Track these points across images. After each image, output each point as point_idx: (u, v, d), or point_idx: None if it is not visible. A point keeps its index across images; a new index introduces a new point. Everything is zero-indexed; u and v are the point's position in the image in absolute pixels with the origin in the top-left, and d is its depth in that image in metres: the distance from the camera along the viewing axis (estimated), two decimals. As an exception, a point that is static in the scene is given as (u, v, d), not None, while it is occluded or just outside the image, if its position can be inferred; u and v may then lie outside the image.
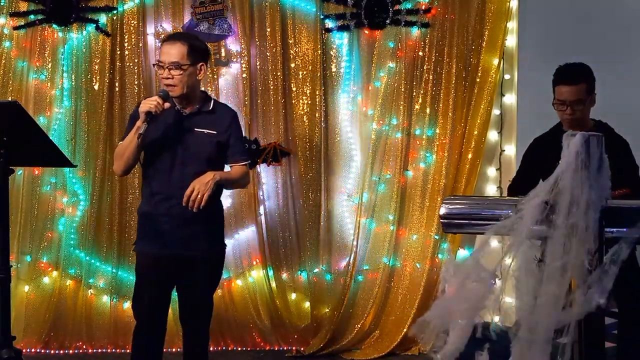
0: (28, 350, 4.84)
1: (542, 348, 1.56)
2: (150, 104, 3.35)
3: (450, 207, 1.88)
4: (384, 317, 5.07)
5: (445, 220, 1.87)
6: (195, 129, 3.52)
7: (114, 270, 5.00)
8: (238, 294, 5.09)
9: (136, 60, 5.00)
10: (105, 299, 5.02)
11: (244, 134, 4.97)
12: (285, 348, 5.06)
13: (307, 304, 5.13)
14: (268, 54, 5.05)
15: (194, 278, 3.56)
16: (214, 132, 3.53)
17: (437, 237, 5.02)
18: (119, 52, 4.99)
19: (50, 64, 5.00)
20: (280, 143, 5.07)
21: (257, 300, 5.09)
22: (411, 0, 5.06)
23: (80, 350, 4.96)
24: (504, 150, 5.12)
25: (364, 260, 5.11)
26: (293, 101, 5.12)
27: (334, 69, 5.13)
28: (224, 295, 5.03)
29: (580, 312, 1.54)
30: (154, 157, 3.54)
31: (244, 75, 5.05)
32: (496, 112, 5.12)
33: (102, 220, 5.01)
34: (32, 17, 4.96)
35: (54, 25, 4.97)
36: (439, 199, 4.97)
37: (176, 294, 3.70)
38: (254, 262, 5.11)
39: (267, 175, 5.11)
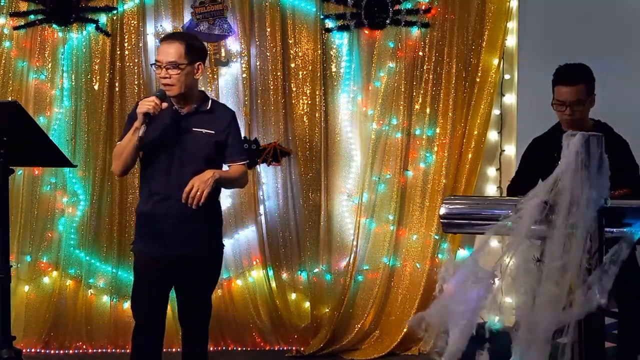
0: (28, 350, 4.84)
1: (542, 348, 1.56)
2: (148, 104, 3.34)
3: (450, 207, 1.88)
4: (384, 317, 5.07)
5: (445, 220, 1.87)
6: (193, 129, 3.51)
7: (114, 270, 5.00)
8: (238, 294, 5.09)
9: (136, 60, 5.00)
10: (105, 299, 5.02)
11: (243, 134, 4.98)
12: (285, 348, 5.06)
13: (307, 304, 5.13)
14: (268, 54, 5.05)
15: (192, 278, 3.56)
16: (212, 132, 3.52)
17: (437, 237, 5.02)
18: (119, 52, 4.99)
19: (50, 64, 5.00)
20: (280, 143, 5.07)
21: (257, 300, 5.09)
22: (411, 0, 5.06)
23: (80, 350, 4.96)
24: (504, 150, 5.12)
25: (364, 260, 5.11)
26: (293, 101, 5.12)
27: (334, 69, 5.13)
28: (224, 295, 5.03)
29: (580, 312, 1.54)
30: (152, 157, 3.54)
31: (244, 75, 5.05)
32: (496, 112, 5.12)
33: (102, 220, 5.02)
34: (32, 17, 4.96)
35: (54, 25, 4.97)
36: (439, 199, 4.97)
37: (175, 294, 3.70)
38: (254, 262, 5.11)
39: (267, 175, 5.11)
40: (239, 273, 5.10)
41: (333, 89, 5.13)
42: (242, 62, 5.05)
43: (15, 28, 4.94)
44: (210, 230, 3.63)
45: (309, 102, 5.10)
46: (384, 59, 5.08)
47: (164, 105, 3.40)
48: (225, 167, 3.65)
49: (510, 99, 5.11)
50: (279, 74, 5.05)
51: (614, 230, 1.63)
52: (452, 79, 5.02)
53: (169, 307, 3.78)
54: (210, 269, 3.67)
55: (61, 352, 4.94)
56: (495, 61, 5.01)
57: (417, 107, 5.07)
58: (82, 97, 5.00)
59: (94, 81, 5.01)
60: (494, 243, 2.28)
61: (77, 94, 5.00)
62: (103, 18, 4.98)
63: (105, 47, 5.00)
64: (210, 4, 5.01)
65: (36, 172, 4.99)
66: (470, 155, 5.01)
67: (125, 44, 5.01)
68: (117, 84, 4.99)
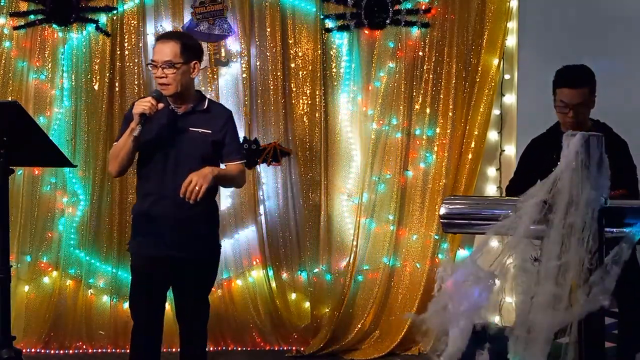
0: (28, 350, 4.84)
1: (541, 348, 1.56)
2: (144, 105, 3.34)
3: (450, 207, 1.88)
4: (384, 317, 5.07)
5: (445, 220, 1.87)
6: (190, 129, 3.50)
7: (114, 270, 5.00)
8: (238, 294, 5.09)
9: (136, 60, 4.99)
10: (105, 299, 5.02)
11: (243, 134, 4.98)
12: (285, 348, 5.06)
13: (307, 304, 5.13)
14: (268, 54, 5.05)
15: (189, 279, 3.56)
16: (209, 132, 3.52)
17: (437, 237, 5.02)
18: (118, 52, 4.99)
19: (50, 64, 5.00)
20: (280, 143, 5.07)
21: (257, 300, 5.09)
22: (411, 0, 5.06)
23: (80, 350, 4.96)
24: (504, 150, 5.13)
25: (364, 260, 5.11)
26: (293, 101, 5.12)
27: (334, 69, 5.13)
28: (224, 295, 5.04)
29: (581, 312, 1.54)
30: (149, 157, 3.53)
31: (244, 75, 5.05)
32: (496, 112, 5.12)
33: (102, 220, 5.01)
34: (32, 17, 4.95)
35: (54, 25, 4.97)
36: (439, 199, 4.97)
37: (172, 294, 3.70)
38: (254, 262, 5.11)
39: (267, 175, 5.11)
40: (239, 273, 5.10)
41: (333, 89, 5.13)
42: (242, 62, 5.05)
43: (15, 28, 4.94)
44: (207, 231, 3.63)
45: (309, 102, 5.10)
46: (384, 59, 5.08)
47: (160, 105, 3.40)
48: (222, 167, 3.65)
49: (510, 99, 5.11)
50: (279, 74, 5.05)
51: (614, 230, 1.62)
52: (452, 79, 5.02)
53: (168, 307, 3.79)
54: (208, 270, 3.67)
55: (61, 352, 4.94)
56: (495, 61, 5.01)
57: (417, 107, 5.07)
58: (82, 97, 5.00)
59: (94, 81, 5.01)
60: (494, 243, 2.28)
61: (77, 94, 5.00)
62: (103, 18, 4.98)
63: (105, 47, 4.99)
64: (210, 4, 5.01)
65: (36, 172, 4.99)
66: (470, 155, 5.01)
67: (125, 44, 5.01)
68: (117, 84, 4.99)
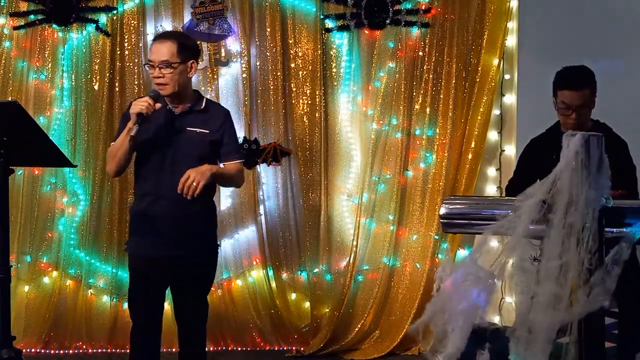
0: (28, 350, 4.84)
1: (542, 347, 1.56)
2: (141, 105, 3.34)
3: (450, 207, 1.88)
4: (384, 317, 5.07)
5: (445, 220, 1.87)
6: (187, 128, 3.50)
7: (114, 270, 5.00)
8: (238, 294, 5.09)
9: (136, 60, 4.99)
10: (105, 299, 5.02)
11: (243, 134, 4.98)
12: (285, 348, 5.06)
13: (307, 304, 5.13)
14: (268, 54, 5.05)
15: (187, 279, 3.56)
16: (207, 131, 3.51)
17: (437, 237, 5.02)
18: (118, 52, 4.99)
19: (50, 64, 5.00)
20: (280, 143, 5.07)
21: (257, 300, 5.09)
22: (411, 0, 5.06)
23: (80, 350, 4.96)
24: (504, 150, 5.13)
25: (364, 260, 5.11)
26: (293, 101, 5.12)
27: (334, 69, 5.13)
28: (224, 295, 5.04)
29: (582, 312, 1.54)
30: (146, 157, 3.53)
31: (244, 75, 5.05)
32: (496, 112, 5.12)
33: (102, 220, 5.01)
34: (32, 17, 4.96)
35: (54, 25, 4.97)
36: (439, 199, 4.97)
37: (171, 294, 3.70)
38: (254, 262, 5.11)
39: (267, 175, 5.11)
40: (239, 273, 5.10)
41: (333, 89, 5.13)
42: (242, 62, 5.05)
43: (15, 28, 4.94)
44: (206, 230, 3.62)
45: (309, 102, 5.10)
46: (384, 59, 5.08)
47: (157, 105, 3.39)
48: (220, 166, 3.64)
49: (510, 99, 5.11)
50: (279, 74, 5.05)
51: (614, 230, 1.62)
52: (452, 79, 5.02)
53: (168, 306, 3.79)
54: (207, 269, 3.66)
55: (61, 352, 4.94)
56: (495, 61, 5.01)
57: (417, 107, 5.07)
58: (82, 97, 5.00)
59: (94, 81, 5.01)
60: (494, 243, 2.28)
61: (77, 94, 5.00)
62: (103, 18, 4.98)
63: (105, 47, 5.00)
64: (210, 4, 5.01)
65: (36, 172, 4.99)
66: (470, 155, 5.01)
67: (125, 44, 5.01)
68: (117, 84, 4.99)
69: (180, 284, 3.58)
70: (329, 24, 5.07)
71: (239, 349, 5.06)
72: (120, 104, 4.97)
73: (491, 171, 5.16)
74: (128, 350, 3.76)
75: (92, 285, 5.03)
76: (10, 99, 4.83)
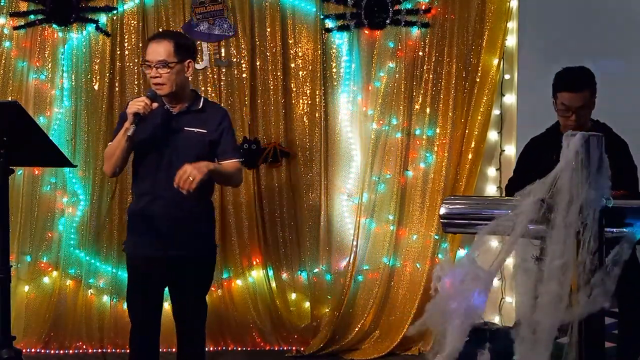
0: (28, 350, 4.84)
1: (544, 347, 1.56)
2: (138, 105, 3.33)
3: (450, 207, 1.88)
4: (384, 317, 5.07)
5: (445, 220, 1.87)
6: (185, 128, 3.49)
7: (114, 270, 5.00)
8: (238, 294, 5.09)
9: (136, 60, 4.99)
10: (105, 299, 5.02)
11: (243, 134, 4.98)
12: (285, 348, 5.06)
13: (307, 304, 5.13)
14: (268, 54, 5.05)
15: (185, 279, 3.55)
16: (204, 131, 3.51)
17: (437, 237, 5.02)
18: (119, 52, 4.99)
19: (50, 64, 5.00)
20: (280, 143, 5.07)
21: (257, 300, 5.08)
22: (411, 0, 5.06)
23: (80, 350, 4.96)
24: (504, 150, 5.13)
25: (364, 260, 5.11)
26: (293, 101, 5.12)
27: (334, 69, 5.13)
28: (224, 295, 5.04)
29: (582, 312, 1.54)
30: (143, 157, 3.53)
31: (244, 75, 5.05)
32: (496, 112, 5.12)
33: (102, 220, 5.01)
34: (32, 17, 4.95)
35: (54, 25, 4.97)
36: (439, 199, 4.97)
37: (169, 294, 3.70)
38: (254, 262, 5.11)
39: (267, 175, 5.11)
40: (239, 273, 5.10)
41: (333, 89, 5.13)
42: (242, 62, 5.05)
43: (15, 28, 4.94)
44: (202, 231, 3.61)
45: (309, 102, 5.10)
46: (384, 59, 5.08)
47: (154, 105, 3.39)
48: None
49: (510, 99, 5.11)
50: (279, 74, 5.05)
51: (614, 230, 1.62)
52: (452, 79, 5.02)
53: (168, 306, 3.78)
54: (207, 268, 3.66)
55: (61, 352, 4.94)
56: (495, 61, 5.01)
57: (417, 107, 5.07)
58: (82, 97, 5.00)
59: (94, 81, 5.01)
60: (494, 243, 2.28)
61: (77, 94, 5.00)
62: (103, 18, 4.98)
63: (105, 47, 5.00)
64: (210, 4, 5.01)
65: (36, 172, 4.99)
66: (470, 155, 5.01)
67: (125, 44, 5.01)
68: (117, 84, 4.99)
69: (182, 283, 3.58)
70: (329, 24, 5.07)
71: (239, 349, 5.05)
72: (120, 104, 4.97)
73: (491, 171, 5.16)
74: (128, 351, 3.76)
75: (92, 285, 5.02)
76: (10, 99, 4.83)
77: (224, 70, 5.06)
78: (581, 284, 1.54)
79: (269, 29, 5.05)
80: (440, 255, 5.03)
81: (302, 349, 5.00)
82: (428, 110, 5.06)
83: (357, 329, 5.02)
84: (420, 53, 5.06)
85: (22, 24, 4.95)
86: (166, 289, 3.68)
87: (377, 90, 5.09)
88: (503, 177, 5.03)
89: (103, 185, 5.00)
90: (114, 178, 4.73)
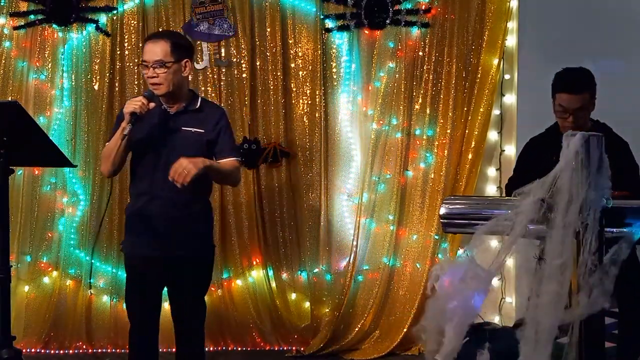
0: (28, 350, 4.84)
1: (545, 347, 1.56)
2: (134, 104, 3.33)
3: (450, 207, 1.89)
4: (384, 317, 5.07)
5: (445, 220, 1.87)
6: (182, 128, 3.49)
7: (114, 270, 5.00)
8: (238, 294, 5.09)
9: (136, 60, 4.99)
10: (105, 299, 5.02)
11: (240, 134, 4.98)
12: (285, 348, 5.06)
13: (307, 304, 5.13)
14: (268, 54, 5.05)
15: (183, 279, 3.55)
16: (202, 131, 3.50)
17: (437, 237, 5.02)
18: (119, 52, 4.99)
19: (50, 64, 5.00)
20: (280, 143, 5.07)
21: (257, 300, 5.08)
22: (411, 0, 5.06)
23: (80, 350, 4.96)
24: (504, 150, 5.12)
25: (364, 260, 5.11)
26: (293, 101, 5.12)
27: (334, 69, 5.12)
28: (224, 295, 5.03)
29: (582, 313, 1.54)
30: (140, 157, 3.53)
31: (244, 75, 5.05)
32: (496, 112, 5.12)
33: (101, 220, 5.01)
34: (32, 17, 4.95)
35: (54, 25, 4.96)
36: (439, 199, 4.97)
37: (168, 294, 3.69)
38: (254, 262, 5.11)
39: (267, 175, 5.11)
40: (239, 273, 5.10)
41: (333, 89, 5.13)
42: (242, 62, 5.05)
43: (15, 28, 4.94)
44: (200, 231, 3.61)
45: (309, 102, 5.10)
46: (384, 59, 5.08)
47: (152, 105, 3.38)
48: None
49: (510, 99, 5.11)
50: (279, 74, 5.05)
51: (614, 230, 1.62)
52: (452, 79, 5.02)
53: (168, 306, 3.78)
54: (205, 268, 3.66)
55: (61, 352, 4.94)
56: (495, 61, 5.01)
57: (417, 107, 5.07)
58: (82, 97, 5.00)
59: (94, 81, 5.01)
60: (494, 242, 2.28)
61: (77, 94, 5.00)
62: (103, 18, 4.98)
63: (105, 47, 4.99)
64: (210, 4, 5.01)
65: (36, 172, 4.99)
66: (470, 155, 5.01)
67: (125, 44, 5.01)
68: (117, 84, 4.99)
69: (181, 283, 3.58)
70: (329, 24, 5.07)
71: (239, 349, 5.05)
72: (120, 104, 4.95)
73: (491, 171, 5.16)
74: (128, 351, 3.77)
75: (92, 285, 5.02)
76: (10, 99, 4.83)
77: (224, 70, 5.06)
78: (582, 284, 1.54)
79: (269, 29, 5.05)
80: (440, 255, 5.03)
81: (302, 349, 5.00)
82: (428, 110, 5.06)
83: (357, 329, 5.02)
84: (420, 53, 5.06)
85: (22, 24, 4.95)
86: (165, 289, 3.68)
87: (377, 90, 5.09)
88: (503, 177, 5.03)
89: (103, 185, 5.00)
90: (114, 178, 4.72)
